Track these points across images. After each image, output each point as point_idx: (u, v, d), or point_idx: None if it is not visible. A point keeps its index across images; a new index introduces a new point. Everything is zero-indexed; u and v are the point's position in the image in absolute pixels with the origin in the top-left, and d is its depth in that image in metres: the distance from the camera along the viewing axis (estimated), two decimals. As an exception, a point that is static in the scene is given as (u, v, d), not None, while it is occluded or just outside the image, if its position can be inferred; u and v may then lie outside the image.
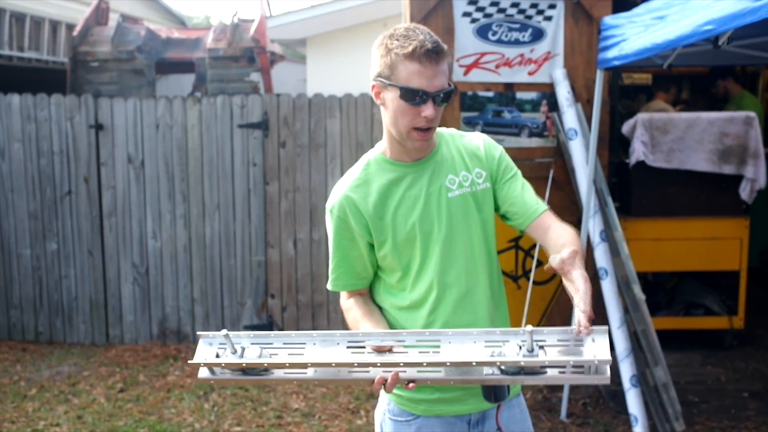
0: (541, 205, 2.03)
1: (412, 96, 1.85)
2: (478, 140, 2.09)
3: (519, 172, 2.08)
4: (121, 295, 5.93)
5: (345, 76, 7.10)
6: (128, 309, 5.94)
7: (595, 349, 1.60)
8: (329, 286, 2.10)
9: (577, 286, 1.69)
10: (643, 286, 4.48)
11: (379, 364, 1.69)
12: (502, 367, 1.65)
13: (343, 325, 2.06)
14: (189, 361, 1.79)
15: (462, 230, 1.99)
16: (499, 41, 4.73)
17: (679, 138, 4.90)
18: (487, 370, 1.66)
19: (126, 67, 6.50)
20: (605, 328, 1.64)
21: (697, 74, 7.83)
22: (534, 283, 4.45)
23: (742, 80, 7.23)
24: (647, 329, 4.33)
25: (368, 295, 2.11)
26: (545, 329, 1.66)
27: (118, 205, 5.86)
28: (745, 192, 4.97)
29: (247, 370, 1.74)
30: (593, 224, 4.39)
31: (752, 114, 5.00)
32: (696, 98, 8.38)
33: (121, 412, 4.62)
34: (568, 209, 4.70)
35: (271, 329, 5.83)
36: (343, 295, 2.10)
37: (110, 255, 5.90)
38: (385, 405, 2.12)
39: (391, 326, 2.04)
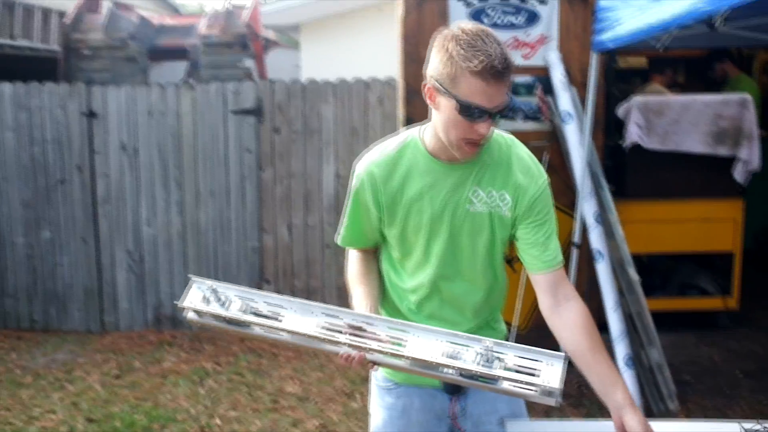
0: (555, 260, 1.93)
1: (470, 111, 1.73)
2: (523, 170, 1.94)
3: (550, 215, 1.96)
4: (116, 282, 5.92)
5: (339, 61, 7.07)
6: (123, 296, 5.93)
7: (549, 375, 1.67)
8: (337, 240, 2.13)
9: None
10: (638, 268, 4.48)
11: (346, 343, 1.77)
12: (461, 371, 1.73)
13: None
14: (176, 302, 1.90)
15: (469, 244, 1.96)
16: (494, 25, 4.71)
17: (674, 120, 4.89)
18: (445, 368, 1.74)
19: (119, 55, 6.46)
20: (563, 355, 1.70)
21: (693, 57, 7.82)
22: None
23: (738, 63, 7.22)
24: (642, 311, 4.34)
25: (373, 252, 2.12)
26: (507, 344, 1.73)
27: (112, 193, 5.84)
28: (739, 173, 4.98)
29: (229, 320, 1.84)
30: (588, 207, 4.39)
31: (747, 96, 5.00)
32: (691, 81, 8.36)
33: (117, 399, 4.62)
34: (563, 192, 4.70)
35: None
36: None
37: (104, 242, 5.88)
38: (374, 372, 2.14)
39: (386, 292, 2.09)
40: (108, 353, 5.42)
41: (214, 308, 1.84)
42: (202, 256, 5.87)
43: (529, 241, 1.93)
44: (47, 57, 7.50)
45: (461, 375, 1.72)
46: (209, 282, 1.86)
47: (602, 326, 4.52)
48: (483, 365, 1.69)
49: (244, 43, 6.46)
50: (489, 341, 1.70)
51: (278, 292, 5.80)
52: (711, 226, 5.11)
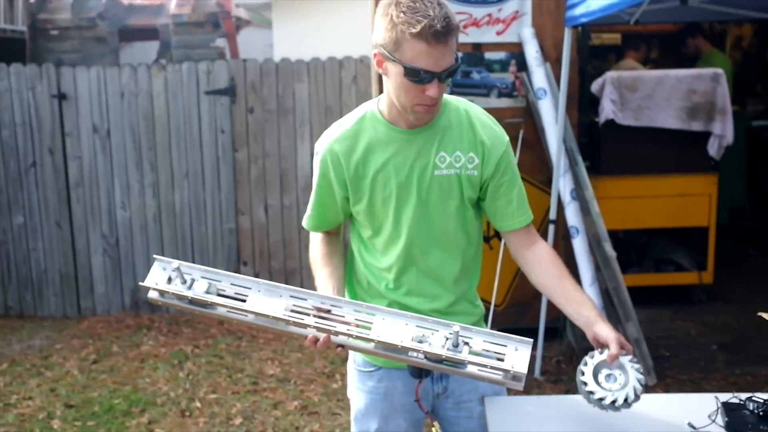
0: (524, 219, 2.00)
1: (416, 75, 1.74)
2: (485, 128, 1.96)
3: (516, 175, 2.00)
4: (92, 266, 5.86)
5: (312, 40, 7.00)
6: (99, 280, 5.88)
7: (515, 359, 1.70)
8: (304, 224, 2.13)
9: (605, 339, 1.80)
10: (614, 244, 4.51)
11: (313, 326, 1.76)
12: (426, 355, 1.73)
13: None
14: (139, 283, 1.87)
15: (439, 209, 1.95)
16: (467, 1, 4.69)
17: (648, 96, 4.91)
18: (412, 351, 1.74)
19: (88, 35, 6.36)
20: (530, 341, 1.72)
21: (666, 33, 7.84)
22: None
23: (710, 38, 7.26)
24: (618, 286, 4.37)
25: (336, 233, 2.13)
26: (474, 329, 1.75)
27: (84, 176, 5.76)
28: (713, 148, 5.01)
29: (193, 300, 1.82)
30: (563, 183, 4.41)
31: (720, 71, 5.03)
32: (665, 57, 8.39)
33: (95, 384, 4.59)
34: (538, 169, 4.71)
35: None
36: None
37: (79, 226, 5.81)
38: (353, 355, 2.14)
39: (360, 274, 2.07)
40: (85, 338, 5.37)
41: (177, 288, 1.81)
42: (178, 239, 5.82)
43: (502, 200, 1.98)
44: (13, 38, 7.35)
45: (427, 359, 1.73)
46: (174, 262, 1.82)
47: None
48: (449, 349, 1.70)
49: (215, 22, 6.38)
50: (456, 326, 1.71)
51: (255, 273, 5.80)
52: (686, 201, 5.14)
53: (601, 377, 1.79)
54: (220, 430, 4.00)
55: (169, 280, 1.82)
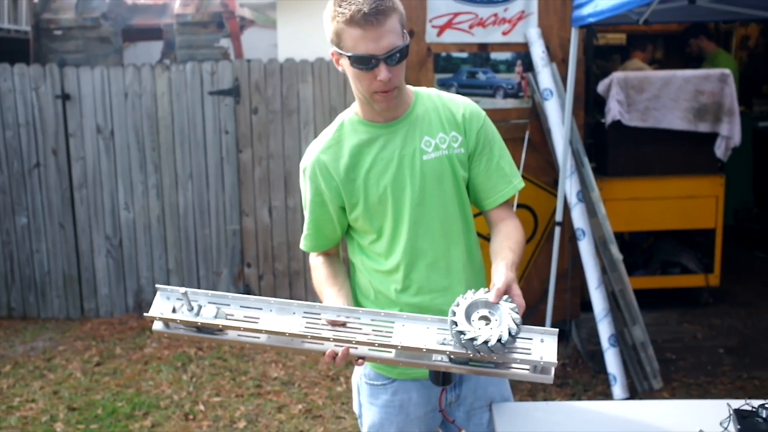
0: (504, 193, 2.00)
1: (361, 62, 1.78)
2: (460, 105, 2.00)
3: (497, 145, 2.01)
4: (95, 267, 5.84)
5: (317, 40, 6.97)
6: (102, 282, 5.86)
7: (543, 350, 1.64)
8: (301, 245, 2.12)
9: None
10: (620, 246, 4.48)
11: (332, 339, 1.71)
12: (451, 356, 1.68)
13: (320, 293, 2.04)
14: (144, 314, 1.81)
15: (436, 193, 1.95)
16: (473, 1, 4.65)
17: (655, 96, 4.86)
18: (436, 356, 1.69)
19: (91, 35, 6.35)
20: (555, 331, 1.68)
21: (672, 33, 7.80)
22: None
23: (716, 38, 7.21)
24: (625, 289, 4.34)
25: (335, 254, 2.12)
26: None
27: (88, 177, 5.74)
28: (720, 150, 4.97)
29: (201, 327, 1.76)
30: (570, 185, 4.37)
31: (727, 71, 4.98)
32: (670, 57, 8.35)
33: (98, 386, 4.57)
34: (544, 170, 4.68)
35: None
36: (312, 253, 2.11)
37: (82, 227, 5.80)
38: (361, 369, 2.10)
39: (366, 288, 2.04)
40: (88, 340, 5.35)
41: (185, 315, 1.75)
42: (182, 240, 5.80)
43: (481, 175, 1.99)
44: (17, 38, 7.35)
45: (453, 362, 1.67)
46: (179, 289, 1.76)
47: (586, 304, 4.53)
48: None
49: (219, 22, 6.36)
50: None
51: (259, 275, 5.78)
52: (692, 202, 5.10)
53: (474, 317, 1.67)
54: (223, 433, 3.98)
55: (174, 310, 1.77)
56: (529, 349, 1.63)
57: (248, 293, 5.79)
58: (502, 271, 1.77)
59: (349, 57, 1.79)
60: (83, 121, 5.69)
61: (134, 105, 5.67)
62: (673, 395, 4.22)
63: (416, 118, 1.96)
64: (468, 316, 1.66)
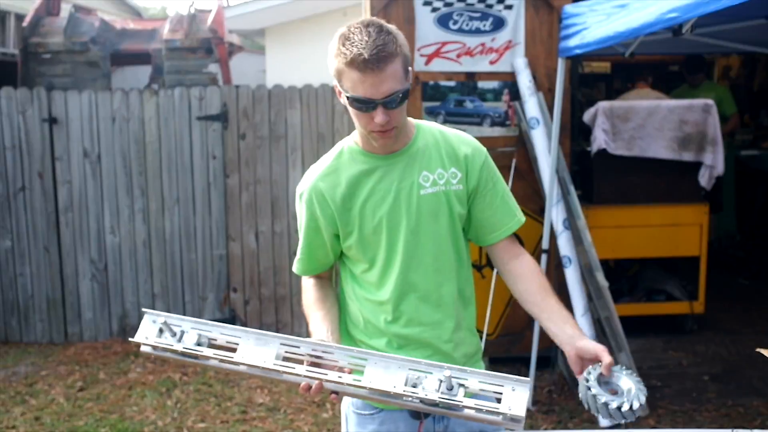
0: (509, 228, 2.02)
1: (360, 104, 1.80)
2: (461, 142, 2.01)
3: (498, 182, 2.03)
4: (80, 291, 5.80)
5: (305, 66, 7.03)
6: (87, 306, 5.82)
7: (512, 401, 1.64)
8: (295, 269, 2.12)
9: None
10: (606, 273, 4.51)
11: (303, 375, 1.74)
12: (421, 400, 1.69)
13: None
14: (130, 339, 1.86)
15: (431, 228, 1.96)
16: (460, 30, 4.71)
17: (640, 126, 4.93)
18: (406, 397, 1.70)
19: (80, 59, 6.34)
20: (528, 380, 1.67)
21: (655, 62, 7.92)
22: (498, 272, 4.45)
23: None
24: (611, 316, 4.36)
25: (327, 277, 2.12)
26: (469, 369, 1.70)
27: (74, 201, 5.72)
28: (704, 179, 5.03)
29: (183, 353, 1.81)
30: (556, 213, 4.40)
31: (710, 101, 5.06)
32: (654, 86, 8.46)
33: (81, 412, 4.52)
34: (531, 198, 4.71)
35: (234, 323, 5.76)
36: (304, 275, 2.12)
37: (67, 251, 5.76)
38: (349, 399, 2.09)
39: (355, 316, 2.04)
40: (72, 365, 5.30)
41: (168, 341, 1.81)
42: (168, 265, 5.78)
43: (487, 211, 2.00)
44: (5, 61, 7.34)
45: (423, 402, 1.69)
46: (163, 314, 1.82)
47: (571, 332, 4.54)
48: (444, 393, 1.66)
49: (208, 48, 6.38)
50: (449, 369, 1.67)
51: (245, 300, 5.77)
52: (677, 230, 5.15)
53: (604, 388, 1.72)
54: (208, 460, 3.94)
55: (161, 332, 1.82)
56: (501, 394, 1.64)
57: (234, 318, 5.77)
58: (590, 343, 1.79)
59: (347, 97, 1.81)
60: (70, 144, 5.68)
61: (122, 129, 5.67)
62: (659, 422, 4.23)
63: (416, 152, 1.97)
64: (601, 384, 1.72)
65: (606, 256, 4.96)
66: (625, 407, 1.67)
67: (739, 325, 5.59)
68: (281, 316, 5.79)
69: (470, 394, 1.67)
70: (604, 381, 1.73)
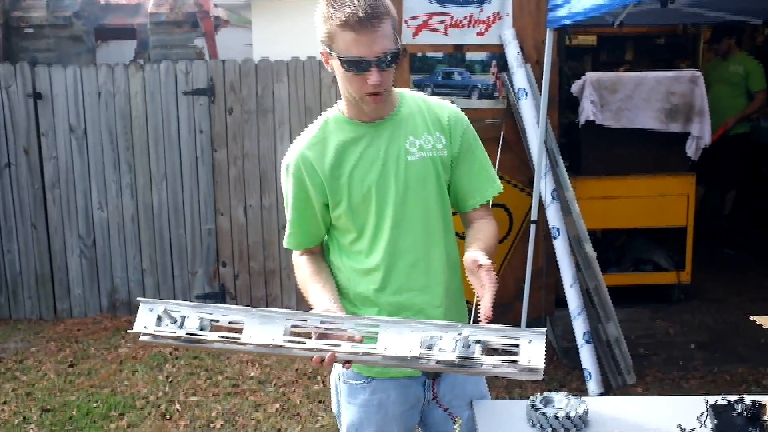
0: (484, 196, 2.04)
1: (353, 65, 1.79)
2: (444, 108, 2.03)
3: (479, 150, 2.05)
4: (68, 268, 5.79)
5: (291, 40, 6.97)
6: (76, 282, 5.80)
7: (531, 352, 1.63)
8: (284, 243, 2.11)
9: (484, 283, 1.73)
10: (593, 244, 4.53)
11: (315, 349, 1.71)
12: (438, 361, 1.68)
13: (297, 292, 2.05)
14: (129, 331, 1.81)
15: (419, 194, 1.97)
16: (448, 2, 4.68)
17: (628, 97, 4.94)
18: (423, 360, 1.69)
19: (63, 34, 6.26)
20: (543, 330, 1.66)
21: (642, 34, 7.92)
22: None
23: (684, 40, 7.33)
24: (599, 286, 4.40)
25: (319, 252, 2.11)
26: (483, 326, 1.68)
27: (61, 177, 5.68)
28: (691, 149, 5.06)
29: (186, 339, 1.77)
30: (544, 184, 4.42)
31: (697, 72, 5.07)
32: (639, 59, 8.47)
33: (73, 387, 4.53)
34: (519, 169, 4.72)
35: (224, 297, 5.78)
36: (296, 251, 2.10)
37: (55, 227, 5.74)
38: (339, 370, 2.11)
39: (345, 288, 2.04)
40: (62, 341, 5.30)
41: (169, 329, 1.76)
42: (156, 240, 5.77)
43: (464, 178, 2.02)
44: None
45: (439, 363, 1.67)
46: (159, 302, 1.77)
47: (561, 302, 4.58)
48: (461, 352, 1.64)
49: (194, 22, 6.31)
50: (466, 329, 1.65)
51: (235, 274, 5.77)
52: (664, 201, 5.19)
53: (549, 407, 1.99)
54: (201, 433, 3.97)
55: (159, 319, 1.77)
56: (518, 347, 1.63)
57: (224, 292, 5.78)
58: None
59: (340, 59, 1.80)
60: (55, 120, 5.63)
61: (108, 104, 5.62)
62: (647, 390, 4.29)
63: (401, 119, 1.98)
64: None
65: (594, 226, 4.99)
66: (572, 414, 1.92)
67: (725, 295, 5.65)
68: (271, 289, 5.80)
69: (487, 351, 1.65)
70: (545, 402, 2.00)
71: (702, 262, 5.75)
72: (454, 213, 2.08)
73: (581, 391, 4.19)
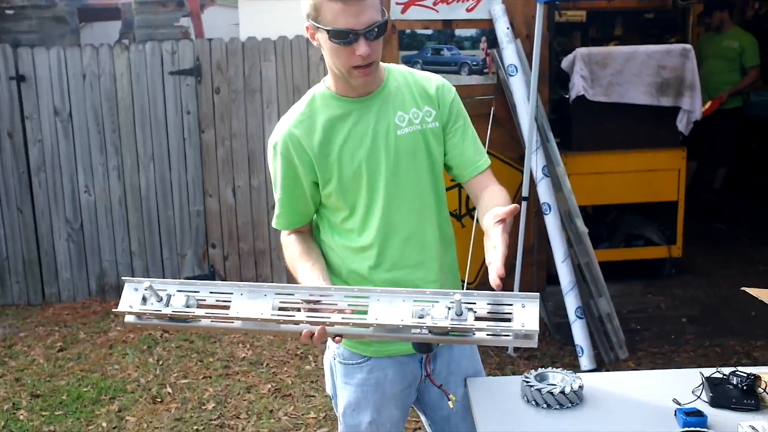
0: (483, 162, 2.01)
1: (341, 37, 1.76)
2: (431, 80, 2.01)
3: (468, 120, 2.03)
4: (56, 252, 5.73)
5: (279, 18, 6.88)
6: (64, 266, 5.75)
7: (524, 316, 1.59)
8: (273, 224, 2.07)
9: (495, 243, 1.65)
10: (584, 219, 4.52)
11: (305, 321, 1.68)
12: (431, 330, 1.65)
13: (287, 272, 2.02)
14: (113, 310, 1.77)
15: (410, 169, 1.93)
16: (436, -23, 4.62)
17: (618, 71, 4.90)
18: (415, 329, 1.66)
19: (46, 15, 6.15)
20: (537, 295, 1.62)
21: (631, 9, 7.86)
22: (478, 221, 4.45)
23: (674, 13, 7.28)
24: (590, 261, 4.39)
25: (308, 231, 2.07)
26: (476, 293, 1.64)
27: (46, 160, 5.61)
28: (681, 123, 5.03)
29: (172, 317, 1.73)
30: (535, 160, 4.39)
31: (688, 46, 5.04)
32: (629, 34, 8.41)
33: (62, 372, 4.49)
34: (510, 146, 4.69)
35: (214, 279, 5.74)
36: (284, 231, 2.07)
37: (41, 211, 5.67)
38: (334, 350, 2.08)
39: (337, 266, 2.01)
40: (51, 325, 5.26)
41: (154, 307, 1.72)
42: (144, 223, 5.71)
43: (454, 149, 1.99)
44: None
45: (432, 333, 1.64)
46: (145, 280, 1.73)
47: (552, 278, 4.57)
48: (454, 319, 1.60)
49: (179, 1, 6.21)
50: (457, 294, 1.61)
51: (224, 256, 5.73)
52: (655, 176, 5.17)
53: (543, 383, 1.97)
54: (192, 415, 3.94)
55: (144, 300, 1.73)
56: (511, 314, 1.60)
57: (213, 274, 5.74)
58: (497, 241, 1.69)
59: (327, 31, 1.76)
60: (40, 102, 5.55)
61: (93, 86, 5.55)
62: (639, 365, 4.29)
63: (389, 93, 1.94)
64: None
65: (585, 202, 4.97)
66: (567, 390, 1.90)
67: (715, 269, 5.66)
68: (261, 270, 5.77)
69: (480, 318, 1.61)
70: (540, 378, 1.98)
71: (693, 237, 5.75)
72: (450, 189, 2.05)
73: (574, 367, 4.19)
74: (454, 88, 2.03)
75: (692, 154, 5.43)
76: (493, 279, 1.58)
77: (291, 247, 2.02)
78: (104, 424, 3.88)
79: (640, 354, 4.44)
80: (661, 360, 4.36)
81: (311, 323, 1.68)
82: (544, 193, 4.37)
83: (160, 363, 4.56)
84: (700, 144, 5.90)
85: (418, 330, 1.65)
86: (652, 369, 4.14)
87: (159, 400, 4.11)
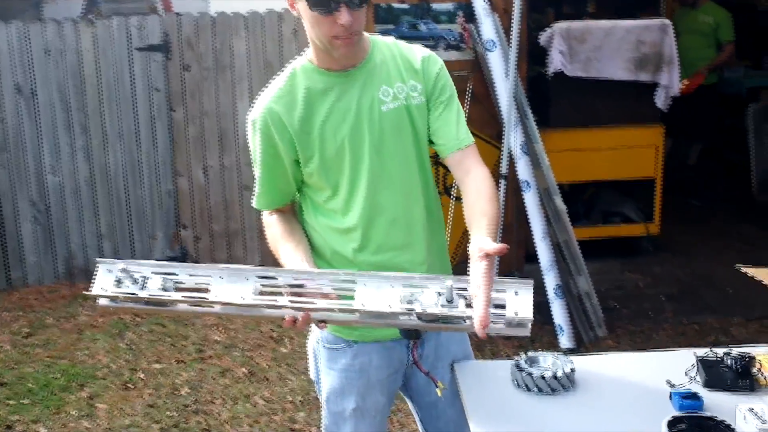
0: (466, 138, 1.88)
1: (322, 5, 1.67)
2: (417, 52, 1.91)
3: (455, 94, 1.93)
4: (21, 235, 5.55)
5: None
6: (30, 249, 5.58)
7: (518, 304, 1.51)
8: (253, 203, 1.97)
9: (478, 285, 1.49)
10: (562, 197, 4.46)
11: (288, 307, 1.60)
12: (420, 316, 1.56)
13: (261, 253, 1.93)
14: (86, 293, 1.67)
15: (395, 146, 1.84)
16: (411, -50, 4.51)
17: (597, 47, 4.83)
18: (403, 315, 1.57)
19: (6, -11, 5.96)
20: (530, 281, 1.54)
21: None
22: (456, 199, 4.38)
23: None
24: (569, 239, 4.35)
25: (290, 211, 1.98)
26: (467, 278, 1.55)
27: (9, 140, 5.42)
28: (660, 99, 4.99)
29: (148, 301, 1.64)
30: (514, 137, 4.32)
31: (667, 21, 4.99)
32: (602, 10, 8.35)
33: (29, 359, 4.36)
34: (488, 123, 4.62)
35: (185, 261, 5.61)
36: (265, 210, 1.97)
37: (4, 193, 5.48)
38: (318, 334, 2.00)
39: (321, 248, 1.92)
40: (17, 311, 5.10)
41: (129, 290, 1.62)
42: (113, 203, 5.56)
43: (438, 121, 1.88)
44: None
45: (421, 319, 1.56)
46: (119, 261, 1.64)
47: (530, 256, 4.52)
48: (444, 306, 1.53)
49: (145, -25, 6.05)
50: (448, 279, 1.53)
51: (196, 237, 5.60)
52: (633, 152, 5.14)
53: (534, 366, 1.93)
54: (166, 401, 3.84)
55: (118, 282, 1.63)
56: (504, 300, 1.52)
57: (185, 256, 5.61)
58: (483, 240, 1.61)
59: (307, 0, 1.67)
60: (1, 79, 5.34)
61: (57, 62, 5.36)
62: (619, 343, 4.27)
63: (374, 66, 1.85)
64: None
65: (562, 179, 4.91)
66: (559, 373, 1.85)
67: (693, 246, 5.66)
68: (234, 251, 5.65)
69: (470, 306, 1.52)
70: (530, 362, 1.92)
71: (669, 214, 5.74)
72: (435, 163, 1.96)
73: (553, 346, 4.16)
74: (441, 60, 1.93)
75: (668, 130, 5.39)
76: (478, 329, 1.46)
77: (273, 227, 1.93)
78: (74, 412, 3.77)
79: (619, 332, 4.41)
80: (641, 338, 4.34)
81: (295, 309, 1.59)
82: (523, 170, 4.32)
83: (132, 348, 4.45)
84: (675, 121, 5.87)
85: (407, 317, 1.57)
86: (631, 347, 4.13)
87: (131, 386, 4.00)
